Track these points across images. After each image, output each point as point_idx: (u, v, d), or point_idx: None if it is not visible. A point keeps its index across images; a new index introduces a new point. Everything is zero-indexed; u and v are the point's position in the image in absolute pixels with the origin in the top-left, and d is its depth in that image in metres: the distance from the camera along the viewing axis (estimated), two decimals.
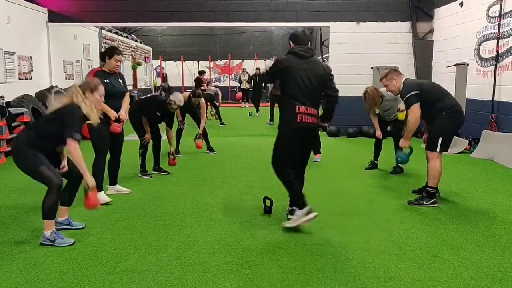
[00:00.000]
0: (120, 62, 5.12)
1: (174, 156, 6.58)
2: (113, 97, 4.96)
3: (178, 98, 6.35)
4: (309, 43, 4.50)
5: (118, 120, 5.06)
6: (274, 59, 4.45)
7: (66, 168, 4.01)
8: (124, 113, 5.15)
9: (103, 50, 5.31)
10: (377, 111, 6.64)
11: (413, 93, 4.86)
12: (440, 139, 4.84)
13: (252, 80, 17.71)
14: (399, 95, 5.15)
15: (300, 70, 4.21)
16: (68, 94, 3.89)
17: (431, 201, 4.89)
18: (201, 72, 16.85)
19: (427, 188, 4.96)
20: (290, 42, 4.44)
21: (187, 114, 8.05)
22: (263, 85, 16.43)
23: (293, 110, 4.15)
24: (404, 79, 5.10)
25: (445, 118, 4.83)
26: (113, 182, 5.44)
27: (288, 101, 4.22)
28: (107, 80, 4.91)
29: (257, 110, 16.48)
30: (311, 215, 4.13)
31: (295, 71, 4.21)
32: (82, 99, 3.82)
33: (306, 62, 4.28)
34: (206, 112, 9.10)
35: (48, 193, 3.74)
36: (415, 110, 4.87)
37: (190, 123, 8.45)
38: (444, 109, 4.84)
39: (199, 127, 8.13)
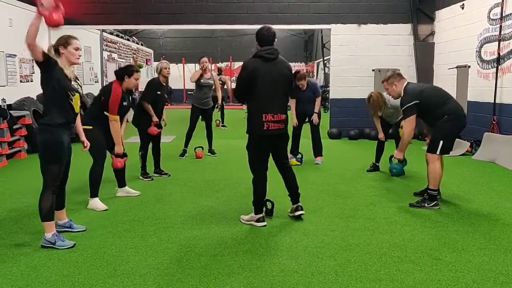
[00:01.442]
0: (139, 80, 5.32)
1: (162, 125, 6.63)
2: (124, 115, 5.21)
3: (160, 64, 6.54)
4: (275, 41, 4.31)
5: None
6: (241, 66, 4.35)
7: (88, 146, 4.25)
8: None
9: (120, 68, 5.37)
10: (379, 113, 6.64)
11: (411, 104, 4.89)
12: (441, 142, 4.84)
13: None
14: (399, 100, 5.16)
15: (267, 76, 4.14)
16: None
17: (432, 204, 4.88)
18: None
19: (428, 191, 4.95)
20: (256, 42, 4.28)
21: (200, 118, 8.07)
22: None
23: (260, 118, 4.16)
24: (405, 84, 5.10)
25: (446, 121, 4.82)
26: (122, 184, 5.45)
27: (255, 108, 4.21)
28: (125, 103, 5.11)
29: None
30: (261, 223, 4.31)
31: (262, 77, 4.12)
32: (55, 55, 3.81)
33: (273, 64, 4.21)
34: (218, 107, 9.26)
35: (43, 194, 3.74)
36: (411, 122, 4.94)
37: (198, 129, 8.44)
38: (445, 113, 4.83)
39: (208, 133, 8.26)
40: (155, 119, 6.22)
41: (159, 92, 6.26)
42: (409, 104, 4.89)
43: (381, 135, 6.79)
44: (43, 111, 3.82)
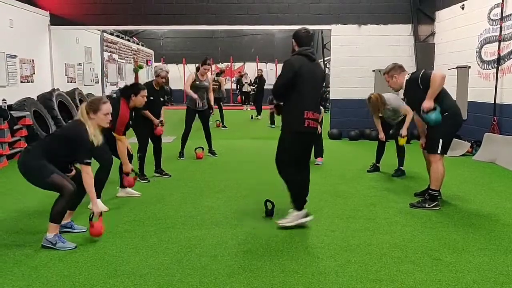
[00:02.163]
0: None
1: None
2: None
3: (159, 67, 6.52)
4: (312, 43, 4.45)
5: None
6: (286, 63, 4.26)
7: (74, 172, 4.08)
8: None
9: (126, 87, 5.42)
10: (380, 113, 6.64)
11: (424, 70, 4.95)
12: (441, 141, 4.83)
13: (255, 82, 17.76)
14: (398, 102, 5.17)
15: (310, 74, 4.18)
16: (77, 115, 3.98)
17: (433, 204, 4.88)
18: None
19: (429, 191, 4.95)
20: (294, 42, 4.32)
21: (196, 117, 8.05)
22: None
23: (301, 114, 4.14)
24: (406, 76, 5.12)
25: (445, 119, 4.80)
26: (123, 185, 5.45)
27: (296, 105, 4.17)
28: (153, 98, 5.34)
29: (259, 114, 16.42)
30: (308, 218, 4.28)
31: (307, 75, 4.15)
32: (86, 120, 3.89)
33: (314, 65, 4.27)
34: (212, 112, 9.20)
35: (60, 198, 3.76)
36: (440, 72, 4.90)
37: (195, 128, 8.43)
38: (443, 110, 4.81)
39: (206, 134, 8.25)
40: (156, 122, 6.25)
41: (151, 98, 6.00)
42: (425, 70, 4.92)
43: (381, 136, 6.79)
44: (41, 144, 3.91)
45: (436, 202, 4.89)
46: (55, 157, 3.80)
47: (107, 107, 4.00)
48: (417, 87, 4.87)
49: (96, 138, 3.90)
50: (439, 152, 4.84)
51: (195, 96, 7.74)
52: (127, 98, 5.15)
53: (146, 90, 5.32)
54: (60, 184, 3.73)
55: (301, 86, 4.13)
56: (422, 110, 4.82)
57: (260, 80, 16.84)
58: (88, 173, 3.81)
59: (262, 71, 17.63)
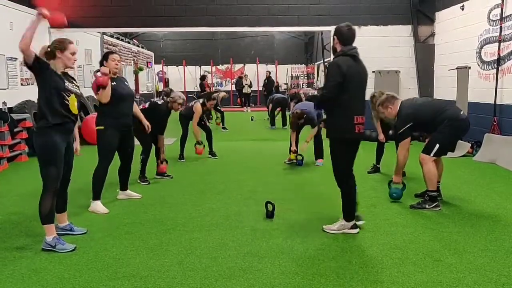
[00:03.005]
0: (118, 62, 5.11)
1: (165, 161, 6.65)
2: (125, 101, 5.06)
3: (178, 94, 6.65)
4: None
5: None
6: (332, 65, 3.98)
7: (78, 152, 4.16)
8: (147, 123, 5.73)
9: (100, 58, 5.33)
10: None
11: (405, 128, 4.94)
12: (437, 146, 4.88)
13: (264, 85, 17.62)
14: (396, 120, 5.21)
15: (356, 75, 3.94)
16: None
17: (433, 205, 4.88)
18: (203, 77, 16.88)
19: (428, 193, 4.96)
20: (336, 39, 4.03)
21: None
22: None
23: (351, 120, 3.93)
24: (400, 104, 5.14)
25: (446, 126, 4.85)
26: (124, 187, 5.46)
27: (345, 110, 3.94)
28: (114, 83, 4.95)
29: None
30: (355, 230, 4.14)
31: (354, 77, 3.91)
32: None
33: (359, 65, 4.02)
34: (211, 119, 9.24)
35: (42, 196, 3.75)
36: (405, 145, 5.00)
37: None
38: (443, 120, 4.86)
39: (207, 134, 8.30)
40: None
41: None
42: (404, 128, 4.95)
43: (381, 137, 6.79)
44: (39, 115, 3.83)
45: (436, 203, 4.89)
46: (50, 104, 3.74)
47: (73, 46, 3.94)
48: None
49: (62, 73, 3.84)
50: (431, 155, 4.91)
51: (199, 138, 8.02)
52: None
53: (116, 55, 5.13)
54: (51, 177, 3.71)
55: (349, 89, 3.89)
56: (390, 183, 5.31)
57: (268, 81, 16.87)
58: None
59: (270, 73, 17.66)
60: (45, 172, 3.73)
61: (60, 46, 3.87)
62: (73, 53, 3.91)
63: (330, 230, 4.16)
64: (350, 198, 4.14)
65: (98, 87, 4.86)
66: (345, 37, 3.98)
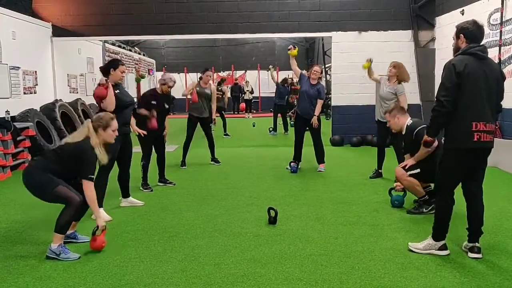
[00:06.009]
0: (124, 74, 5.21)
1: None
2: (127, 108, 5.14)
3: (169, 76, 6.48)
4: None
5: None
6: (444, 68, 3.64)
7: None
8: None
9: (104, 64, 5.36)
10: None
11: (423, 126, 4.85)
12: (418, 170, 4.88)
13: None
14: (400, 131, 5.22)
15: (479, 76, 3.51)
16: (81, 130, 3.97)
17: (430, 208, 4.90)
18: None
19: (420, 199, 5.02)
20: (462, 36, 3.67)
21: (198, 125, 8.09)
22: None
23: (468, 126, 3.49)
24: (408, 120, 5.18)
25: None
26: (126, 194, 5.47)
27: (462, 115, 3.51)
28: (118, 91, 5.01)
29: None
30: (444, 252, 3.76)
31: (474, 78, 3.49)
32: (94, 137, 3.91)
33: (484, 64, 3.58)
34: (215, 124, 9.20)
35: (66, 208, 3.79)
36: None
37: (198, 136, 8.46)
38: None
39: (209, 142, 8.27)
40: (149, 113, 5.97)
41: (153, 102, 6.10)
42: (422, 126, 4.89)
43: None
44: (45, 160, 3.90)
45: (432, 205, 4.89)
46: (59, 172, 3.82)
47: (115, 124, 4.05)
48: (411, 137, 5.02)
49: (102, 155, 3.93)
50: (408, 173, 4.93)
51: (191, 88, 7.85)
52: (105, 72, 5.09)
53: (125, 67, 5.23)
54: (66, 196, 3.75)
55: (466, 92, 3.49)
56: (390, 190, 5.27)
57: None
58: (91, 189, 3.81)
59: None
60: (60, 199, 3.79)
61: (103, 123, 4.02)
62: (115, 130, 4.10)
63: (416, 249, 3.82)
64: (442, 216, 3.74)
65: (100, 98, 4.91)
66: (471, 34, 3.65)
